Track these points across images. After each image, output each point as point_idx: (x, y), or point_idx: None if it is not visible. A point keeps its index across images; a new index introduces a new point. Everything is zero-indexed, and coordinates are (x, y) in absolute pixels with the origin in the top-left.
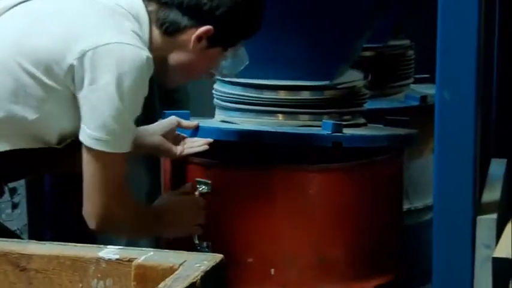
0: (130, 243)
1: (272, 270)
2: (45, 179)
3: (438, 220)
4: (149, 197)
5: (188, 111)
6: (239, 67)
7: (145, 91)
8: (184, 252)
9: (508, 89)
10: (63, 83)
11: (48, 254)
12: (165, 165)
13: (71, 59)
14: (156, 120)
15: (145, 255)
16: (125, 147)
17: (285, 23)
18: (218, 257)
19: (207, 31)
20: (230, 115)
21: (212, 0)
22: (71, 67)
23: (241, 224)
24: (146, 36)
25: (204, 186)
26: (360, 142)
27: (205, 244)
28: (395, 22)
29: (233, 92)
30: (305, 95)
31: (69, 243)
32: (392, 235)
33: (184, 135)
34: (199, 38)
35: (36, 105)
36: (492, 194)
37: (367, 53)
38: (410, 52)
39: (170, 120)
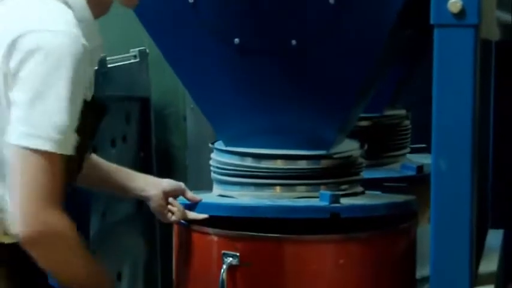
0: None
1: None
2: None
3: None
4: (147, 266)
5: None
6: None
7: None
8: None
9: (504, 160)
10: None
11: None
12: (177, 235)
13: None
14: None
15: None
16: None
17: (281, 93)
18: None
19: None
20: (228, 189)
21: None
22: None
23: None
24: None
25: (231, 259)
26: (358, 212)
27: None
28: (391, 92)
29: (230, 161)
30: (302, 164)
31: None
32: None
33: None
34: None
35: None
36: (489, 265)
37: (364, 123)
38: (407, 122)
39: (179, 184)
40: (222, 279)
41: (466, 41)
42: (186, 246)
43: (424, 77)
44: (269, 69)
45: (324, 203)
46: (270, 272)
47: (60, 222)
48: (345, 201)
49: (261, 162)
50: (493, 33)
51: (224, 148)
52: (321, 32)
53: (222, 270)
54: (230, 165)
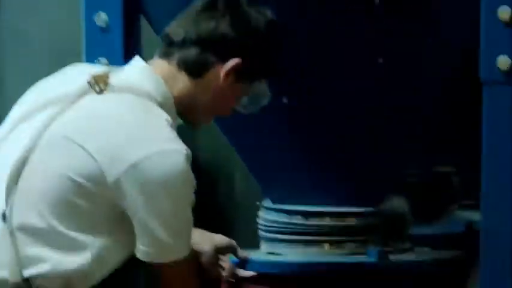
0: None
1: None
2: None
3: None
4: None
5: None
6: (262, 103)
7: (189, 192)
8: None
9: None
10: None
11: None
12: None
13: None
14: None
15: None
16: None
17: (328, 150)
18: None
19: (236, 65)
20: (276, 246)
21: (237, 31)
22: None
23: None
24: (171, 106)
25: None
26: (407, 268)
27: None
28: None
29: (278, 219)
30: (350, 221)
31: None
32: None
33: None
34: (228, 73)
35: None
36: None
37: (411, 179)
38: (455, 178)
39: (231, 241)
40: None
41: None
42: None
43: (473, 133)
44: (315, 125)
45: (373, 259)
46: None
47: None
48: (393, 257)
49: (309, 219)
50: None
51: (272, 206)
52: None
53: None
54: (278, 223)
